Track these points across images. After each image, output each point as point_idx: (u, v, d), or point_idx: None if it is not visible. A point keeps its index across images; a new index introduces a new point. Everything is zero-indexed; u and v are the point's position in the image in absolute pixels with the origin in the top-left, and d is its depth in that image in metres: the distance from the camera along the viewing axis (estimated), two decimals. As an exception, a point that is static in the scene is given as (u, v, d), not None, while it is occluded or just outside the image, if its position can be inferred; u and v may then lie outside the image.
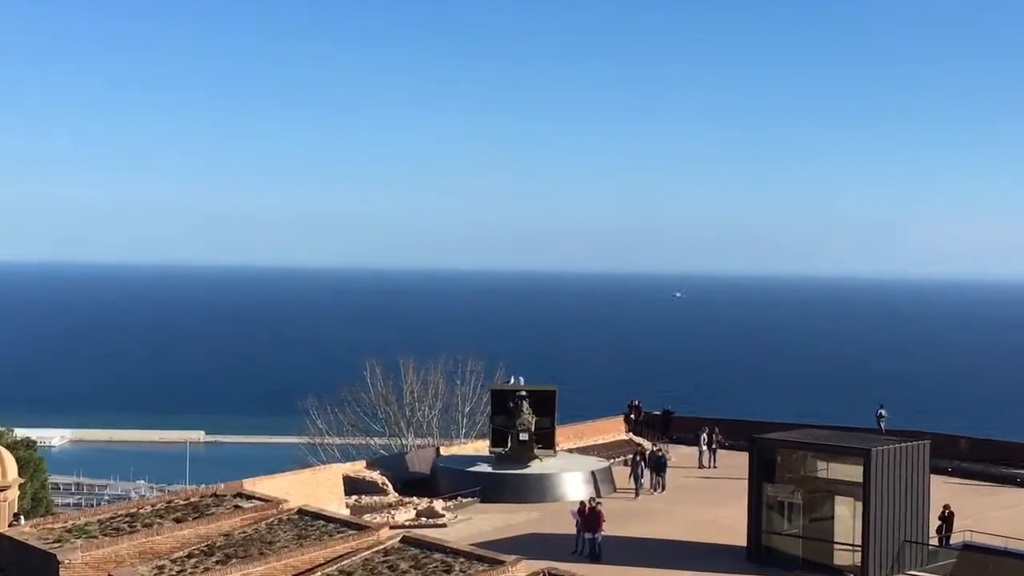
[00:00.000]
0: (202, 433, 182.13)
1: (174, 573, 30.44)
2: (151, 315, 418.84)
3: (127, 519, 34.44)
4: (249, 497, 36.70)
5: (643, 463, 53.22)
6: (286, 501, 36.23)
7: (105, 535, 32.54)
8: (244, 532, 33.49)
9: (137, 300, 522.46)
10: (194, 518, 34.23)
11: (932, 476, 42.56)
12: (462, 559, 30.96)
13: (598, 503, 43.51)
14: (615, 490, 53.40)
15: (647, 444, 64.62)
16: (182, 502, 36.16)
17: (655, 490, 52.90)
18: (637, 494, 52.04)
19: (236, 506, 35.62)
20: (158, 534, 32.69)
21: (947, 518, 43.85)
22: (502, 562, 30.63)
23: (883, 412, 64.82)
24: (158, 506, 35.79)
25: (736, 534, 43.13)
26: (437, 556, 31.26)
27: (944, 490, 48.68)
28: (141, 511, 35.27)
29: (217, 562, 30.98)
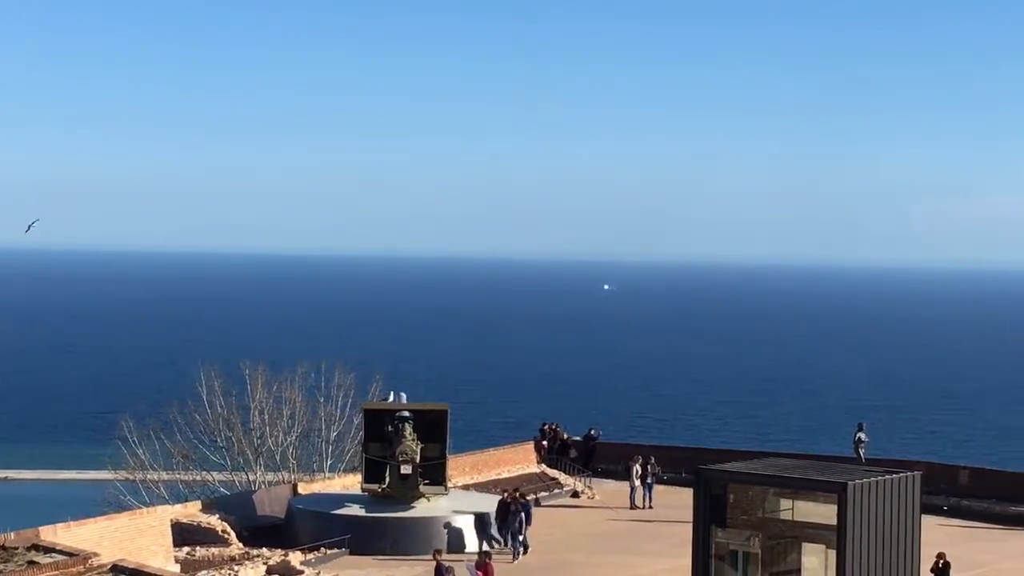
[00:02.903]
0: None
1: (-52, 650, 30.10)
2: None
3: None
4: (48, 550, 36.35)
5: (523, 512, 51.57)
6: (97, 555, 35.94)
7: None
8: (41, 595, 33.17)
9: None
10: (-25, 577, 33.83)
11: (924, 516, 43.33)
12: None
13: (488, 555, 43.73)
14: (523, 537, 53.80)
15: (568, 479, 65.15)
16: (-41, 557, 35.69)
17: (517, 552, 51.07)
18: (515, 555, 50.67)
19: (31, 561, 35.27)
20: (-73, 599, 32.29)
21: (942, 569, 44.70)
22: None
23: (862, 436, 65.73)
24: (-74, 563, 35.32)
25: (677, 593, 43.64)
26: (294, 624, 31.26)
27: (939, 534, 49.65)
28: (-96, 569, 34.78)
29: (5, 635, 30.71)
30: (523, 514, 51.19)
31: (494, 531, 51.75)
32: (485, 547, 48.49)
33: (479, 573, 42.50)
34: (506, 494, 52.51)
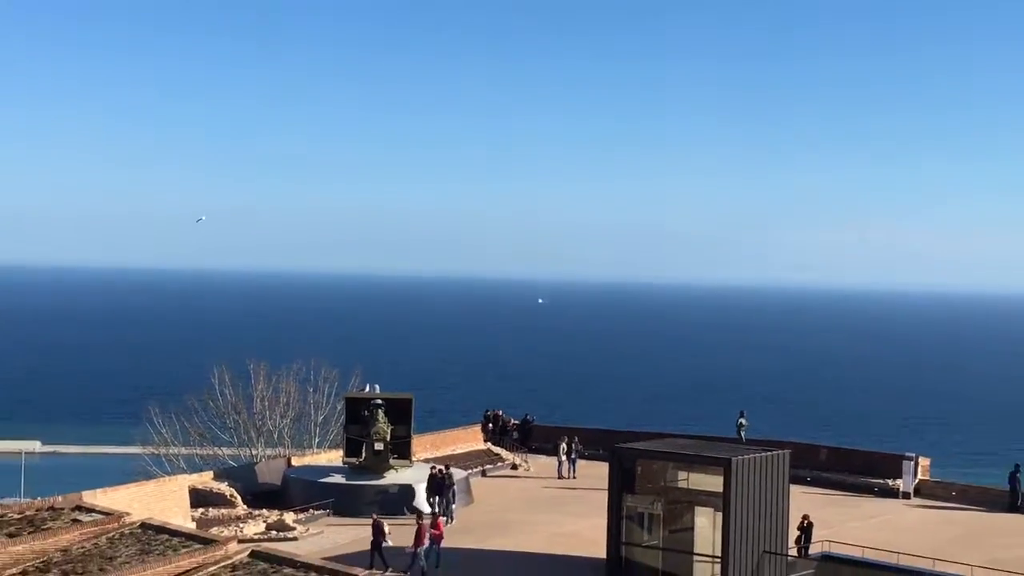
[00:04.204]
0: (38, 443, 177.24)
1: (7, 591, 29.78)
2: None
3: (-44, 534, 33.55)
4: (89, 510, 36.04)
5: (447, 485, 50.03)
6: (128, 514, 35.66)
7: (-68, 551, 31.69)
8: (83, 547, 32.89)
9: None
10: (29, 533, 33.51)
11: (792, 486, 43.57)
12: (313, 573, 30.81)
13: (421, 516, 43.48)
14: (472, 501, 53.64)
15: (508, 454, 65.09)
16: (16, 516, 35.36)
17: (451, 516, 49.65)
18: (449, 519, 49.04)
19: (75, 520, 34.96)
20: (-10, 550, 31.94)
21: (806, 528, 44.93)
22: (355, 576, 30.58)
23: (743, 421, 66.03)
24: (-10, 520, 34.94)
25: (596, 546, 43.62)
26: (287, 571, 31.05)
27: (803, 500, 49.90)
28: (-29, 526, 34.38)
29: (53, 579, 30.41)
30: (455, 486, 50.70)
31: (423, 500, 50.30)
32: (427, 510, 47.89)
33: (433, 531, 42.37)
34: (436, 469, 51.46)
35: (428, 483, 50.29)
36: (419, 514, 44.15)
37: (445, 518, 47.85)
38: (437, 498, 49.55)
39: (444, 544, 42.41)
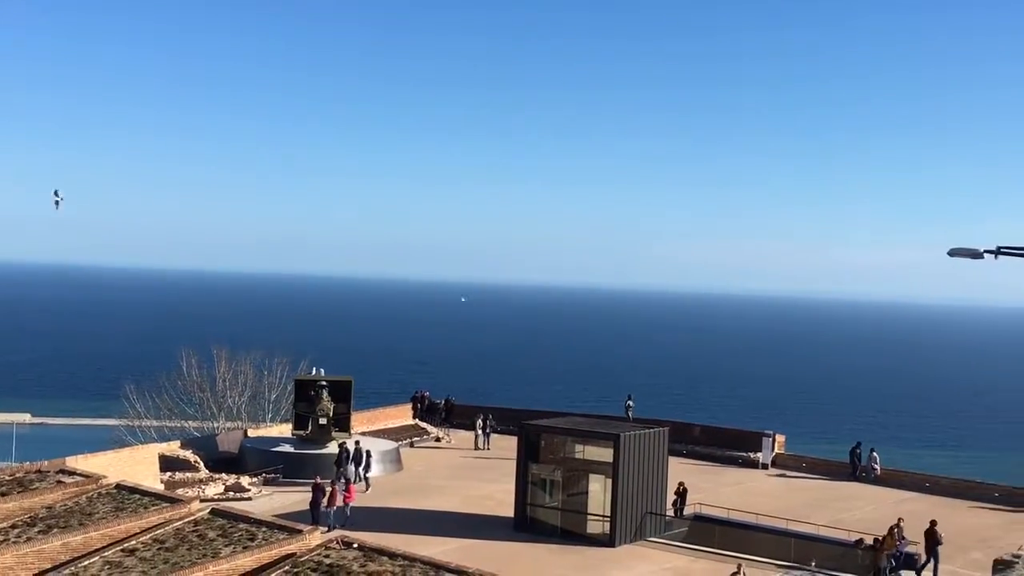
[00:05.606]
0: (28, 415, 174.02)
1: (-2, 542, 29.13)
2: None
3: (-46, 493, 32.82)
4: (71, 473, 35.46)
5: (354, 458, 48.76)
6: (105, 477, 35.13)
7: (-68, 508, 30.95)
8: (66, 505, 32.32)
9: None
10: (18, 492, 32.87)
11: (670, 458, 43.96)
12: (264, 528, 30.53)
13: (333, 481, 43.14)
14: (401, 468, 53.41)
15: (433, 429, 64.85)
16: (7, 478, 34.69)
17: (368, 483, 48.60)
18: (367, 486, 48.06)
19: (59, 481, 34.37)
20: (-17, 507, 31.26)
21: (682, 493, 45.32)
22: (300, 531, 30.35)
23: (631, 403, 66.49)
24: (-16, 481, 34.23)
25: (505, 507, 43.66)
26: (242, 526, 30.75)
27: (680, 469, 50.29)
28: (-33, 486, 33.65)
29: (39, 532, 29.85)
30: (370, 457, 49.88)
31: (350, 468, 48.74)
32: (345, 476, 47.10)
33: (345, 493, 42.17)
34: (343, 444, 50.14)
35: (337, 455, 49.26)
36: (331, 480, 43.91)
37: (359, 483, 47.35)
38: (351, 467, 48.65)
39: (377, 505, 42.11)
